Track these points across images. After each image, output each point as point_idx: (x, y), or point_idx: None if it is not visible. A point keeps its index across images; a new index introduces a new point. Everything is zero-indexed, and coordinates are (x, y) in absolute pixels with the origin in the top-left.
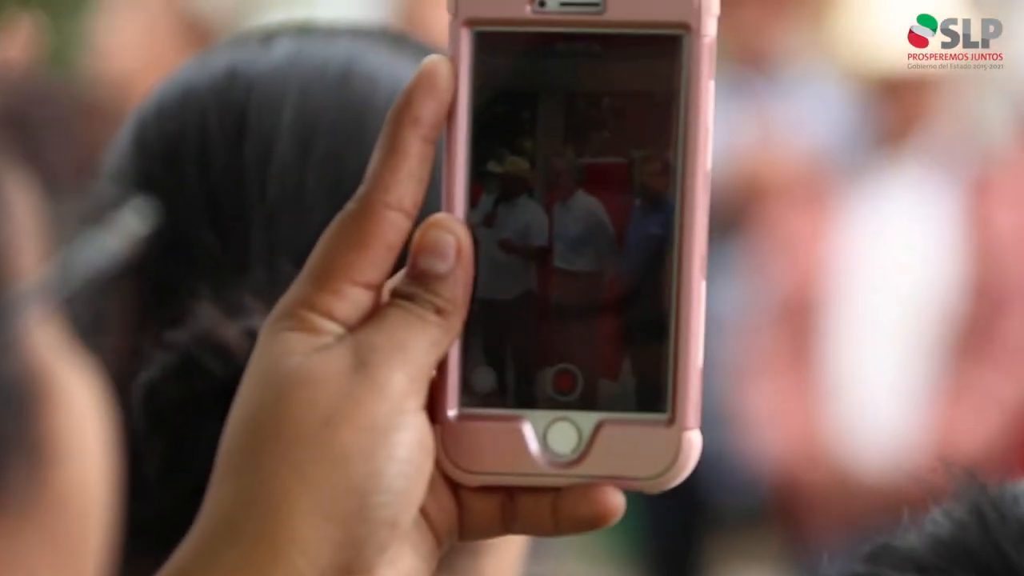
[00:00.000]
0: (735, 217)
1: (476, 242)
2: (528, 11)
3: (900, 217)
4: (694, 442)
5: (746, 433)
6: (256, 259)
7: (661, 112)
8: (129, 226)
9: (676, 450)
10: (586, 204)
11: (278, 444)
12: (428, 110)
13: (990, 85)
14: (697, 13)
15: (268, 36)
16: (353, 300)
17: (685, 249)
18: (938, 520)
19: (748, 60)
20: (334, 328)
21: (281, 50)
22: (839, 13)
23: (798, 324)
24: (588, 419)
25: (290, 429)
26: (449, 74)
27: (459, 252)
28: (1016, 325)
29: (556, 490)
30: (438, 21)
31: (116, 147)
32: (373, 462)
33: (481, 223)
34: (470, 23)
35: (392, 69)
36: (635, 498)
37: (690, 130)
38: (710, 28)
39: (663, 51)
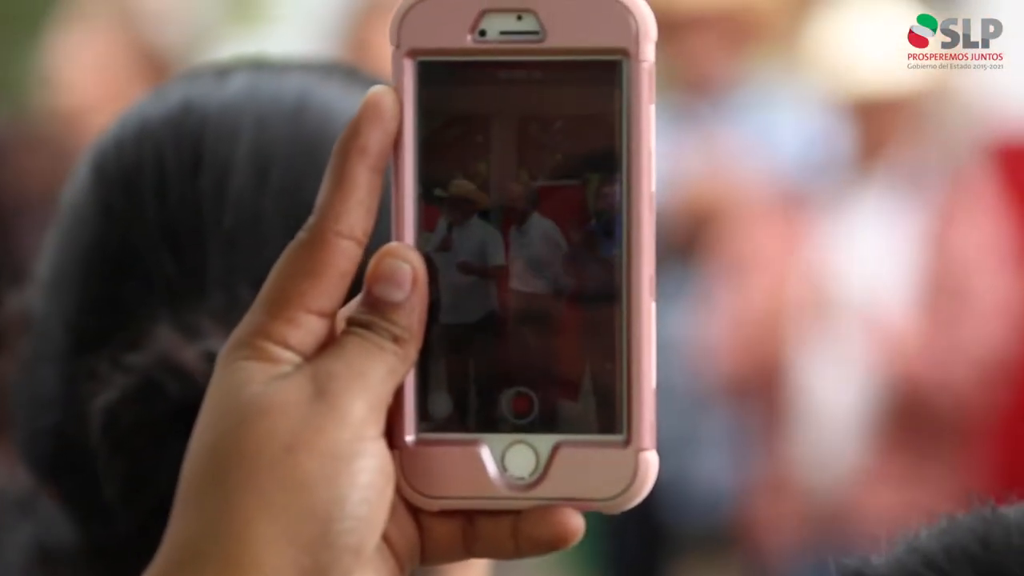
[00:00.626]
0: (694, 242)
1: (434, 266)
2: (469, 41)
3: (866, 239)
4: (651, 462)
5: (707, 457)
6: (213, 284)
7: (604, 136)
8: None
9: (633, 471)
10: (540, 226)
11: (240, 471)
12: (375, 140)
13: (956, 107)
14: (635, 39)
15: (223, 70)
16: (308, 328)
17: (633, 271)
18: (925, 538)
19: (700, 86)
20: (291, 357)
21: (236, 83)
22: (808, 36)
23: (762, 348)
24: (545, 441)
25: (252, 456)
26: (394, 104)
27: (414, 280)
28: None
29: (516, 513)
30: (388, 53)
31: (75, 179)
32: (336, 488)
33: (438, 247)
34: (413, 53)
35: (345, 101)
36: (597, 521)
37: (632, 153)
38: (648, 53)
39: (603, 76)
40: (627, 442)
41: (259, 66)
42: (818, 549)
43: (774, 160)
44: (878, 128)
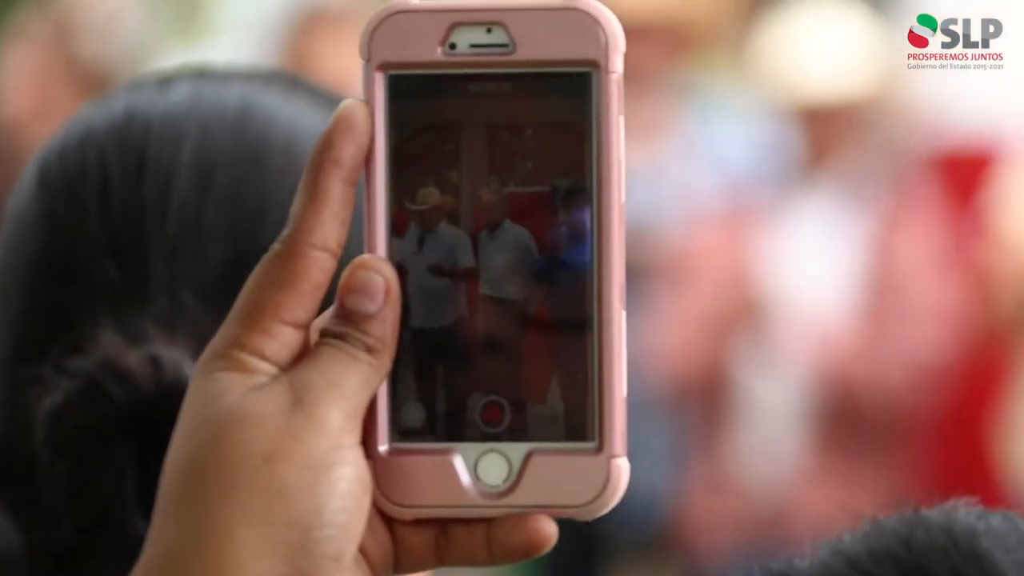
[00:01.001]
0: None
1: (406, 272)
2: (439, 54)
3: (809, 244)
4: (623, 469)
5: (644, 460)
6: (157, 289)
7: (574, 146)
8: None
9: (605, 477)
10: (511, 233)
11: (220, 481)
12: (348, 152)
13: (900, 115)
14: (604, 50)
15: (166, 79)
16: (283, 339)
17: (604, 280)
18: (850, 541)
19: (642, 95)
20: (267, 367)
21: (179, 92)
22: (753, 45)
23: (703, 351)
24: (517, 450)
25: (231, 466)
26: (366, 117)
27: (387, 292)
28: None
29: (489, 521)
30: (329, 62)
31: (19, 187)
32: (315, 497)
33: (410, 254)
34: (383, 67)
35: (287, 109)
36: None
37: (602, 164)
38: (617, 64)
39: (573, 88)
40: (599, 449)
41: (202, 75)
42: (755, 551)
43: (720, 167)
44: (823, 135)
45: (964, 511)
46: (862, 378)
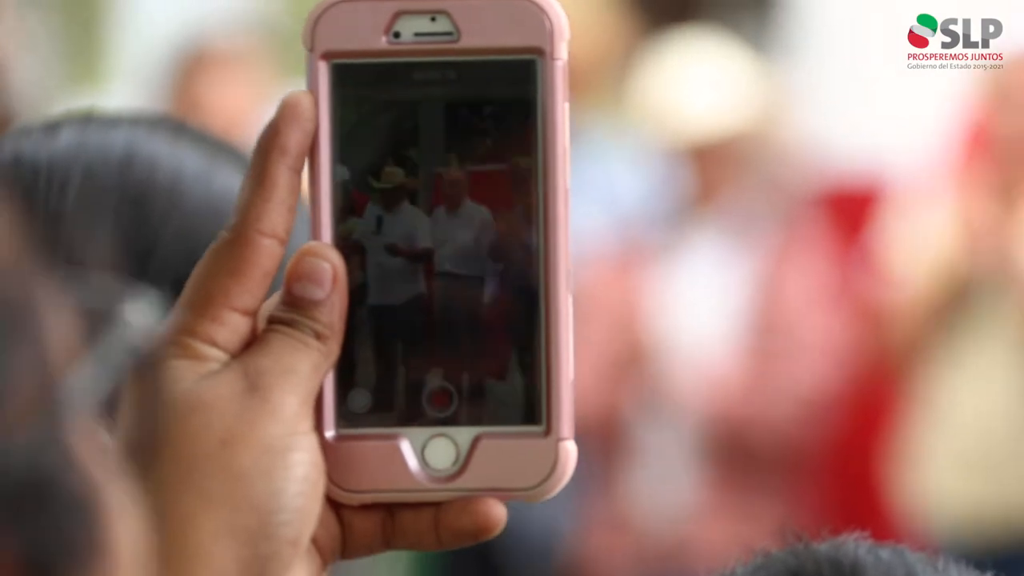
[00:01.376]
0: None
1: (364, 251)
2: (384, 42)
3: (698, 283)
4: (571, 452)
5: (543, 504)
6: None
7: (519, 133)
8: (140, 321)
9: (554, 460)
10: (464, 214)
11: (178, 467)
12: (293, 140)
13: (786, 153)
14: (549, 37)
15: (52, 125)
16: (232, 326)
17: (550, 264)
18: (741, 573)
19: None
20: (217, 354)
21: (65, 137)
22: (634, 86)
23: (599, 391)
24: (465, 434)
25: (188, 452)
26: (311, 105)
27: (334, 278)
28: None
29: (437, 505)
30: (218, 102)
31: None
32: (273, 482)
33: (370, 232)
34: (327, 56)
35: (171, 154)
36: (433, 559)
37: (548, 150)
38: (562, 52)
39: (517, 75)
40: (547, 432)
41: (88, 120)
42: None
43: (608, 207)
44: (710, 173)
45: (853, 544)
46: (751, 414)
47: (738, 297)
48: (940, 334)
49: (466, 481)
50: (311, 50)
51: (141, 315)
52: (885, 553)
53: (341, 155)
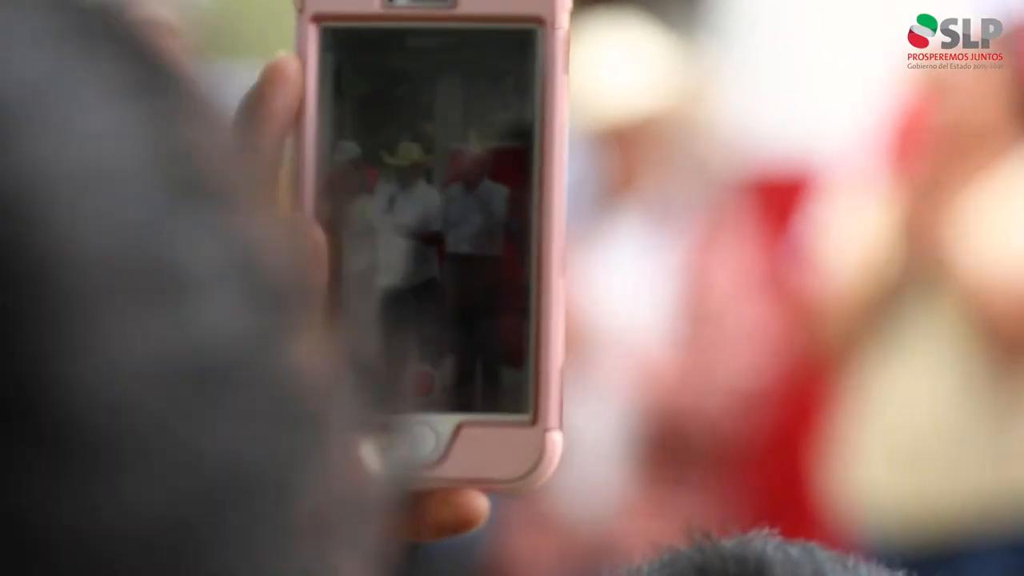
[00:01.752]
0: None
1: (374, 229)
2: (377, 6)
3: (623, 271)
4: (557, 443)
5: None
6: None
7: (518, 105)
8: (414, 453)
9: (540, 451)
10: (429, 193)
11: None
12: (278, 105)
13: (712, 138)
14: (551, 6)
15: None
16: None
17: (544, 245)
18: (648, 571)
19: None
20: None
21: None
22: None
23: None
24: (446, 422)
25: None
26: (298, 69)
27: (314, 255)
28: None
29: (416, 496)
30: None
31: None
32: None
33: (381, 210)
34: (317, 19)
35: None
36: None
37: (546, 123)
38: (564, 21)
39: (517, 44)
40: (534, 421)
41: None
42: None
43: None
44: (631, 158)
45: (761, 541)
46: (681, 406)
47: (665, 286)
48: (872, 327)
49: (446, 471)
50: (300, 11)
51: (415, 450)
52: (794, 550)
53: (347, 129)
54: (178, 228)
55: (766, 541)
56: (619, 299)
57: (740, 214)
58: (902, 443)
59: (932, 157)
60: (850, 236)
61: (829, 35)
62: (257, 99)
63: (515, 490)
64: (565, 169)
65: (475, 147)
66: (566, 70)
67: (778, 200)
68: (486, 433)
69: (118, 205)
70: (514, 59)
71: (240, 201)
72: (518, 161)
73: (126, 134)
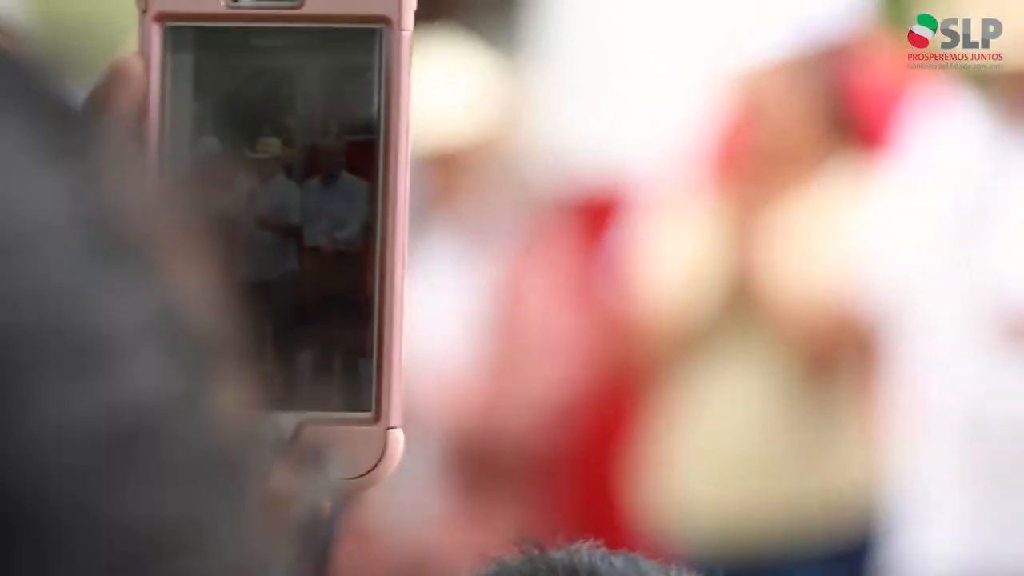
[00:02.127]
0: None
1: (235, 223)
2: (223, 5)
3: (437, 289)
4: (399, 440)
5: None
6: None
7: (361, 103)
8: (332, 479)
9: (382, 448)
10: (286, 187)
11: None
12: (122, 105)
13: (526, 159)
14: (396, 6)
15: None
16: None
17: (387, 242)
18: None
19: None
20: None
21: None
22: None
23: None
24: (286, 421)
25: None
26: (141, 69)
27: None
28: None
29: None
30: None
31: None
32: None
33: (241, 203)
34: (161, 18)
35: None
36: None
37: (390, 121)
38: (408, 22)
39: (362, 44)
40: (376, 419)
41: None
42: None
43: None
44: (446, 178)
45: (587, 551)
46: (492, 424)
47: (477, 303)
48: (689, 342)
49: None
50: (144, 11)
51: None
52: (619, 560)
53: (207, 125)
54: (100, 291)
55: (592, 552)
56: (431, 316)
57: (554, 232)
58: (719, 455)
59: (747, 174)
60: (666, 252)
61: (648, 53)
62: (100, 99)
63: (357, 487)
64: (408, 164)
65: (332, 142)
66: (410, 70)
67: (592, 217)
68: (328, 432)
69: (40, 271)
70: (362, 57)
71: (162, 256)
72: (375, 156)
73: (45, 197)
